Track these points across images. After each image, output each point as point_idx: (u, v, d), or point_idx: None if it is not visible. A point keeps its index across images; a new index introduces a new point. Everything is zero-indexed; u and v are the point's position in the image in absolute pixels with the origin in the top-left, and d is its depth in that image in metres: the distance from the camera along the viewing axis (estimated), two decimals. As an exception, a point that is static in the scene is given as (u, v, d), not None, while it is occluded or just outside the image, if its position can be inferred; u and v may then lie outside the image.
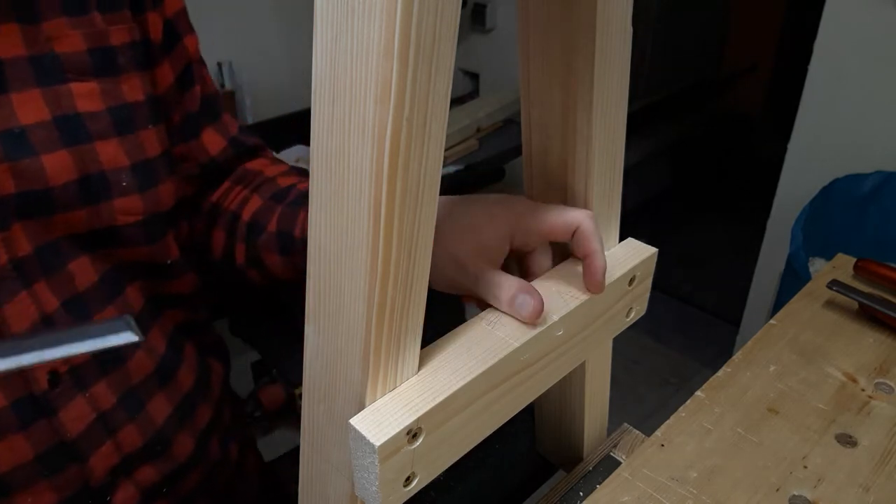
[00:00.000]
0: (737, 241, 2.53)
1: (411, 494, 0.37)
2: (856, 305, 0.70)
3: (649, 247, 0.50)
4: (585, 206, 0.46)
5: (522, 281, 0.44)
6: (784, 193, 1.62)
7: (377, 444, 0.33)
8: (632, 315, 0.51)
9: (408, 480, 0.37)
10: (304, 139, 1.76)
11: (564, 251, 0.49)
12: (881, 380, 0.62)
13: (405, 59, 0.28)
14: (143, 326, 0.58)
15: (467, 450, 0.40)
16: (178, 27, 0.61)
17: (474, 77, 2.35)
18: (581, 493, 0.56)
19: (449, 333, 0.41)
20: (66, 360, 0.51)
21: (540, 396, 0.46)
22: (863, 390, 0.61)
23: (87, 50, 0.52)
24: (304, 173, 0.70)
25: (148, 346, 0.58)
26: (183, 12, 0.62)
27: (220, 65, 1.80)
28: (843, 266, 0.77)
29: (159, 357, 0.59)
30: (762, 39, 2.91)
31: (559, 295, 0.44)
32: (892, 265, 0.72)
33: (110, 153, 0.52)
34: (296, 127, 1.80)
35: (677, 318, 2.31)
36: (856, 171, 1.44)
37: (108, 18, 0.53)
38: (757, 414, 0.59)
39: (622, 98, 0.43)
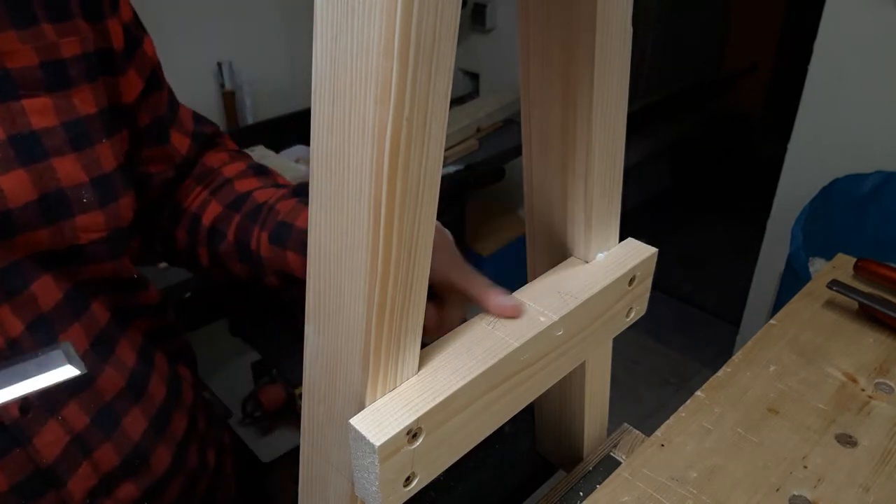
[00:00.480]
0: (737, 241, 2.53)
1: (411, 494, 0.38)
2: (856, 305, 0.70)
3: (649, 247, 0.50)
4: (585, 206, 0.46)
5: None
6: (784, 193, 1.62)
7: (377, 444, 0.33)
8: (632, 315, 0.51)
9: (408, 480, 0.37)
10: (304, 139, 1.76)
11: (564, 251, 0.49)
12: (881, 380, 0.62)
13: (405, 58, 0.28)
14: (110, 341, 0.56)
15: (467, 450, 0.40)
16: (135, 31, 0.59)
17: (474, 77, 2.35)
18: (581, 493, 0.56)
19: (449, 333, 0.41)
20: None
21: (540, 396, 0.46)
22: (863, 390, 0.61)
23: (38, 64, 0.50)
24: (261, 171, 0.70)
25: (117, 361, 0.57)
26: (135, 15, 0.60)
27: (220, 65, 1.80)
28: (843, 266, 0.77)
29: (129, 371, 0.58)
30: (762, 39, 2.91)
31: (559, 295, 0.44)
32: (892, 265, 0.72)
33: (68, 169, 0.51)
34: (296, 127, 1.81)
35: (677, 318, 2.31)
36: (856, 171, 1.44)
37: (59, 29, 0.51)
38: (757, 414, 0.59)
39: (622, 98, 0.43)
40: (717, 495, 0.52)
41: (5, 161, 0.47)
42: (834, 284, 0.69)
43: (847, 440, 0.56)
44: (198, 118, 0.70)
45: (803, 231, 1.35)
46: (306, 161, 1.59)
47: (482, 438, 0.41)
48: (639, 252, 0.49)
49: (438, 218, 0.34)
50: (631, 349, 2.13)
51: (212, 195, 0.67)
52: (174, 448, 0.61)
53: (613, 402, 0.62)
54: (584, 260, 0.48)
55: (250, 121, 1.90)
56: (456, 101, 2.13)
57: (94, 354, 0.55)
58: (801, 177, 1.56)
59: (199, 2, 1.73)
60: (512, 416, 0.42)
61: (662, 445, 0.57)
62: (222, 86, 1.83)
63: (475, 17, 2.18)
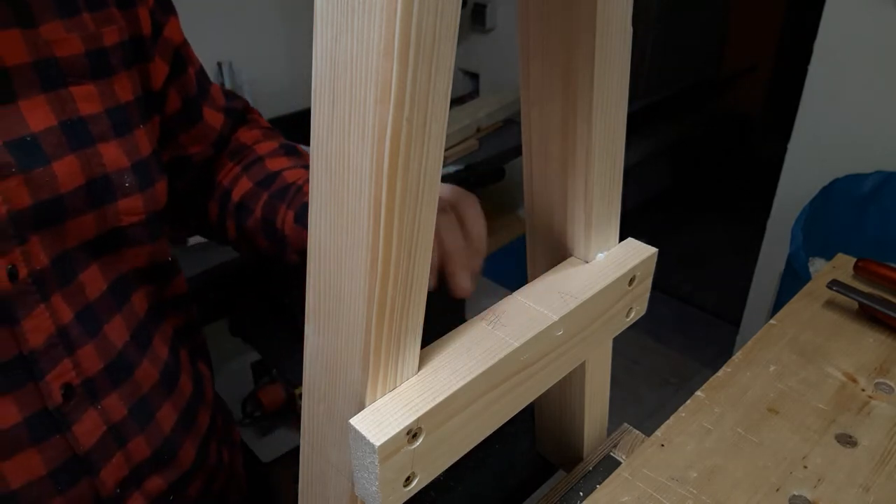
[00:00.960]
0: (737, 241, 2.53)
1: (411, 494, 0.37)
2: (856, 305, 0.70)
3: (649, 247, 0.50)
4: (585, 206, 0.46)
5: None
6: (784, 193, 1.62)
7: (377, 444, 0.33)
8: (632, 315, 0.51)
9: (408, 480, 0.37)
10: (304, 139, 1.76)
11: (564, 251, 0.49)
12: (881, 380, 0.62)
13: (405, 59, 0.28)
14: (147, 334, 0.58)
15: (467, 450, 0.40)
16: (158, 16, 0.60)
17: (474, 77, 2.36)
18: (581, 493, 0.56)
19: (449, 333, 0.41)
20: (79, 372, 0.51)
21: (540, 396, 0.46)
22: (863, 390, 0.61)
23: (84, 53, 0.51)
24: (292, 151, 0.72)
25: (153, 354, 0.58)
26: None
27: (220, 65, 1.80)
28: (843, 266, 0.77)
29: (163, 364, 0.59)
30: (762, 39, 2.91)
31: (559, 295, 0.44)
32: (892, 265, 0.72)
33: (112, 155, 0.52)
34: (296, 127, 1.80)
35: (677, 318, 2.31)
36: (856, 171, 1.44)
37: (97, 18, 0.52)
38: (757, 414, 0.59)
39: (622, 98, 0.43)
40: (717, 495, 0.52)
41: (58, 147, 0.49)
42: (834, 284, 0.69)
43: (847, 440, 0.56)
44: (227, 93, 0.72)
45: (803, 231, 1.35)
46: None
47: (482, 438, 0.41)
48: (639, 252, 0.49)
49: (438, 218, 0.34)
50: (631, 349, 2.13)
51: (243, 171, 0.69)
52: (199, 443, 0.63)
53: (613, 402, 0.62)
54: (584, 260, 0.48)
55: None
56: (456, 101, 2.13)
57: (135, 346, 0.56)
58: (801, 177, 1.56)
59: (199, 2, 1.73)
60: (512, 416, 0.42)
61: (662, 445, 0.57)
62: (222, 86, 1.83)
63: (475, 17, 2.18)
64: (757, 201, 1.94)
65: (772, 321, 0.70)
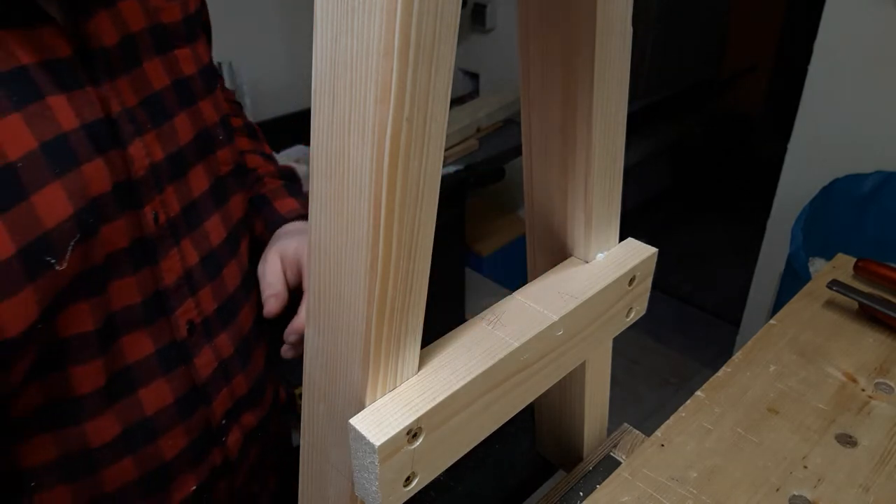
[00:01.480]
0: (737, 241, 2.53)
1: (411, 494, 0.37)
2: (856, 305, 0.70)
3: (649, 247, 0.50)
4: (585, 206, 0.46)
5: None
6: (784, 193, 1.62)
7: (377, 444, 0.33)
8: (632, 315, 0.51)
9: (408, 480, 0.37)
10: (304, 139, 1.76)
11: (564, 251, 0.49)
12: (881, 380, 0.62)
13: (405, 58, 0.28)
14: (252, 280, 0.65)
15: (467, 450, 0.40)
16: None
17: (474, 77, 2.36)
18: (581, 493, 0.56)
19: (449, 333, 0.41)
20: (200, 311, 0.57)
21: (540, 396, 0.46)
22: (863, 390, 0.61)
23: (182, 19, 0.56)
24: (252, 133, 0.79)
25: (253, 301, 0.64)
26: None
27: (220, 65, 1.80)
28: (843, 266, 0.77)
29: (258, 311, 0.65)
30: (762, 39, 2.91)
31: (559, 295, 0.44)
32: (892, 265, 0.72)
33: (209, 110, 0.58)
34: (296, 127, 1.81)
35: (677, 318, 2.31)
36: (856, 171, 1.44)
37: None
38: (757, 414, 0.59)
39: (622, 98, 0.43)
40: (717, 495, 0.52)
41: (174, 104, 0.54)
42: (834, 284, 0.69)
43: (847, 440, 0.56)
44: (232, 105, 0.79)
45: (803, 231, 1.35)
46: (306, 161, 1.59)
47: (482, 438, 0.41)
48: (639, 252, 0.49)
49: (438, 218, 0.34)
50: (631, 349, 2.13)
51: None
52: (275, 386, 0.70)
53: (613, 402, 0.62)
54: (584, 260, 0.48)
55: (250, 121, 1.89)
56: (456, 101, 2.13)
57: (243, 291, 0.62)
58: (801, 177, 1.56)
59: (200, 2, 1.72)
60: (512, 416, 0.42)
61: (662, 445, 0.57)
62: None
63: (475, 17, 2.18)
64: (757, 201, 1.94)
65: (772, 321, 0.70)
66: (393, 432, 0.34)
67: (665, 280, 2.39)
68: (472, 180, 1.80)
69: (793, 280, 1.29)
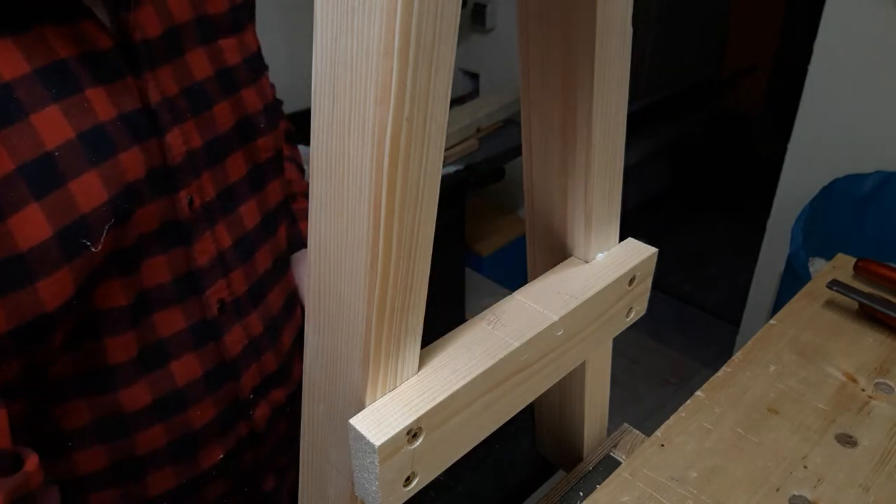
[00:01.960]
0: (737, 241, 2.53)
1: (411, 494, 0.37)
2: (856, 305, 0.70)
3: (649, 247, 0.50)
4: (585, 206, 0.46)
5: None
6: (784, 193, 1.62)
7: (377, 444, 0.33)
8: (632, 315, 0.51)
9: (408, 480, 0.37)
10: (305, 139, 1.76)
11: (564, 251, 0.49)
12: (881, 380, 0.62)
13: (405, 59, 0.28)
14: (285, 262, 0.68)
15: (467, 450, 0.40)
16: None
17: (474, 77, 2.35)
18: (581, 493, 0.56)
19: (449, 333, 0.41)
20: (231, 292, 0.59)
21: (540, 396, 0.46)
22: (863, 390, 0.61)
23: (229, 9, 0.58)
24: (289, 139, 0.83)
25: (284, 282, 0.67)
26: None
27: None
28: (843, 266, 0.77)
29: (289, 292, 0.68)
30: (762, 39, 2.91)
31: (559, 295, 0.44)
32: (892, 265, 0.72)
33: (251, 99, 0.59)
34: (296, 127, 1.80)
35: (677, 318, 2.31)
36: (856, 171, 1.44)
37: None
38: (757, 414, 0.59)
39: (622, 98, 0.43)
40: (717, 495, 0.52)
41: (216, 93, 0.56)
42: (834, 284, 0.69)
43: (847, 440, 0.56)
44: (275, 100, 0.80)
45: (803, 231, 1.35)
46: (306, 161, 1.58)
47: (482, 438, 0.41)
48: (639, 252, 0.49)
49: (438, 218, 0.34)
50: (631, 349, 2.13)
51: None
52: (304, 363, 0.69)
53: (613, 402, 0.63)
54: (584, 260, 0.48)
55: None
56: (456, 101, 2.13)
57: (273, 273, 0.65)
58: (801, 177, 1.56)
59: (199, 2, 1.72)
60: (512, 416, 0.42)
61: (662, 445, 0.57)
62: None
63: (475, 17, 2.18)
64: (757, 201, 1.94)
65: (772, 321, 0.70)
66: (393, 432, 0.34)
67: (665, 280, 2.39)
68: (472, 180, 1.79)
69: (793, 280, 1.29)
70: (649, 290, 0.51)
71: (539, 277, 0.47)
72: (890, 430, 0.57)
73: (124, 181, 0.48)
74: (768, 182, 1.69)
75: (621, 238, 0.50)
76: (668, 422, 0.59)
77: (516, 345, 0.40)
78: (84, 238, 0.46)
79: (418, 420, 0.35)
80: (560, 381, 0.47)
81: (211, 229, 0.56)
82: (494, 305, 0.43)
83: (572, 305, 0.43)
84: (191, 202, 0.54)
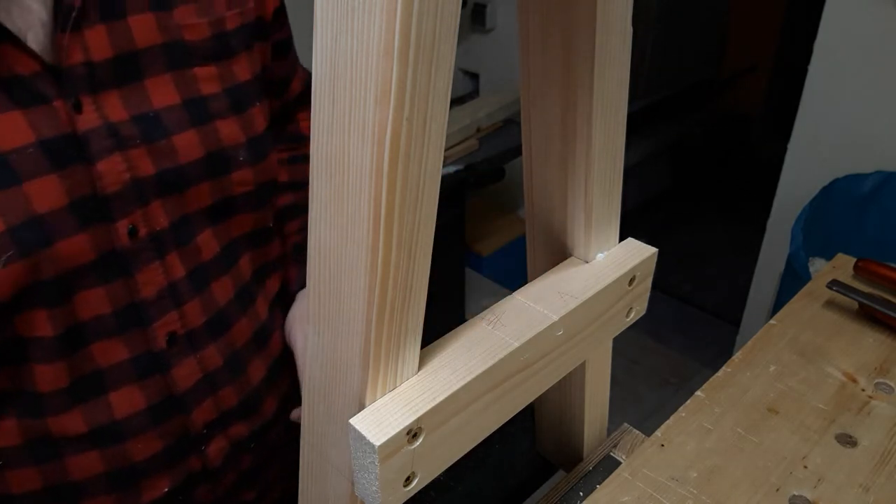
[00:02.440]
0: (737, 241, 2.53)
1: (411, 494, 0.37)
2: (856, 305, 0.70)
3: (649, 247, 0.50)
4: (585, 206, 0.46)
5: None
6: (784, 193, 1.62)
7: (377, 444, 0.33)
8: (632, 315, 0.51)
9: (408, 480, 0.37)
10: (304, 139, 1.76)
11: (564, 251, 0.49)
12: (881, 380, 0.62)
13: (405, 58, 0.28)
14: (252, 294, 0.64)
15: (467, 450, 0.40)
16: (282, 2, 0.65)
17: (474, 77, 2.35)
18: (581, 493, 0.56)
19: (449, 333, 0.41)
20: (184, 324, 0.57)
21: (540, 396, 0.46)
22: (863, 390, 0.61)
23: (210, 37, 0.56)
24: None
25: (253, 312, 0.64)
26: None
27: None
28: (843, 266, 0.77)
29: (260, 323, 0.65)
30: (762, 39, 2.91)
31: (559, 295, 0.44)
32: (892, 265, 0.72)
33: (230, 130, 0.57)
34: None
35: (677, 318, 2.31)
36: (856, 171, 1.44)
37: (229, 1, 0.57)
38: (757, 414, 0.59)
39: (622, 98, 0.43)
40: (717, 495, 0.52)
41: (180, 122, 0.54)
42: (834, 284, 0.69)
43: (847, 440, 0.56)
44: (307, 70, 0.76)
45: (803, 231, 1.35)
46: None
47: (482, 438, 0.41)
48: (639, 252, 0.49)
49: (438, 218, 0.34)
50: (631, 349, 2.13)
51: (288, 162, 0.74)
52: (280, 397, 0.68)
53: (613, 402, 0.62)
54: (584, 260, 0.48)
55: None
56: (456, 101, 2.13)
57: (237, 304, 0.62)
58: (801, 177, 1.56)
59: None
60: (512, 416, 0.42)
61: (662, 445, 0.57)
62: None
63: (475, 17, 2.18)
64: (757, 201, 1.94)
65: (772, 321, 0.70)
66: (393, 432, 0.34)
67: (665, 280, 2.39)
68: (472, 180, 1.80)
69: (793, 280, 1.29)
70: (649, 290, 0.51)
71: (539, 277, 0.47)
72: (890, 430, 0.57)
73: (32, 210, 0.46)
74: (768, 182, 1.69)
75: (621, 238, 0.50)
76: (668, 422, 0.59)
77: (516, 345, 0.40)
78: None
79: (418, 420, 0.35)
80: (560, 381, 0.47)
81: (160, 259, 0.54)
82: (494, 305, 0.43)
83: (572, 305, 0.43)
84: (133, 231, 0.52)
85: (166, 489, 0.59)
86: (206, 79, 0.55)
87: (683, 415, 0.60)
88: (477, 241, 2.25)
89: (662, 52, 2.42)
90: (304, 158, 0.75)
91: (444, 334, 0.41)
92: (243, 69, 0.58)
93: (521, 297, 0.44)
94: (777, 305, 1.42)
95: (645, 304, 0.52)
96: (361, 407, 0.35)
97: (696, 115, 2.89)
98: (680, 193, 2.95)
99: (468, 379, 0.37)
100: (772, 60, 2.95)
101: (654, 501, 0.52)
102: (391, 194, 0.30)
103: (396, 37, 0.27)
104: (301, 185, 0.74)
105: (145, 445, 0.57)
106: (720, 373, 0.64)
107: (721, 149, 3.08)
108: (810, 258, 1.38)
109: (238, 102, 0.58)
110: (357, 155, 0.30)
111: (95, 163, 0.49)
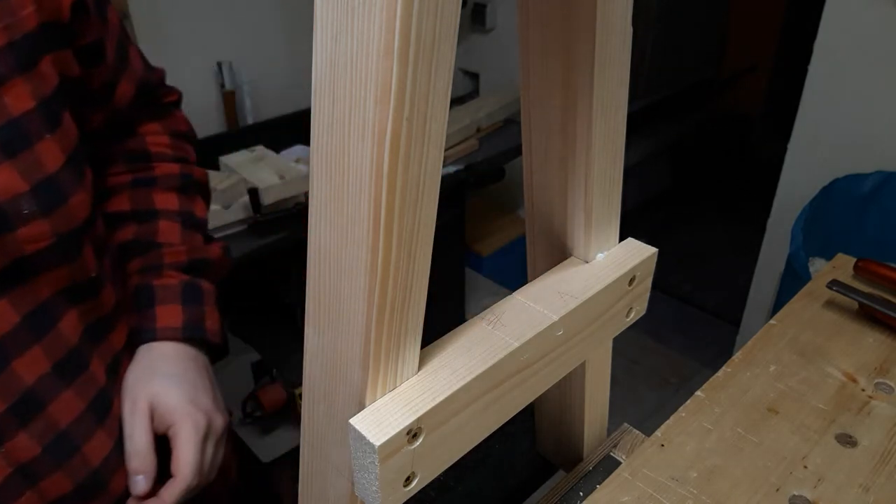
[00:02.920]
0: (737, 241, 2.53)
1: (411, 494, 0.37)
2: (856, 305, 0.70)
3: (649, 247, 0.50)
4: (585, 206, 0.46)
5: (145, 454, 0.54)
6: (784, 193, 1.62)
7: (377, 444, 0.33)
8: (632, 315, 0.51)
9: (408, 480, 0.37)
10: (304, 139, 1.76)
11: (564, 251, 0.49)
12: (881, 380, 0.62)
13: (405, 59, 0.28)
14: (81, 359, 0.54)
15: (467, 450, 0.40)
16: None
17: (474, 77, 2.36)
18: (581, 493, 0.56)
19: (449, 333, 0.41)
20: None
21: (540, 396, 0.46)
22: (863, 390, 0.61)
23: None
24: (188, 188, 0.67)
25: (86, 381, 0.54)
26: None
27: (220, 65, 1.80)
28: (843, 266, 0.77)
29: (98, 390, 0.55)
30: (762, 39, 2.91)
31: (559, 295, 0.44)
32: (892, 265, 0.72)
33: (3, 181, 0.45)
34: (296, 127, 1.81)
35: (677, 318, 2.31)
36: (856, 171, 1.44)
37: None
38: (757, 414, 0.59)
39: (622, 98, 0.43)
40: (717, 495, 0.52)
41: None
42: (834, 284, 0.69)
43: (847, 440, 0.56)
44: (145, 62, 0.65)
45: (803, 231, 1.35)
46: (306, 161, 1.59)
47: (482, 438, 0.41)
48: (639, 252, 0.49)
49: (438, 218, 0.34)
50: (631, 349, 2.13)
51: (130, 186, 0.63)
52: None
53: (613, 402, 0.62)
54: (584, 260, 0.48)
55: (250, 121, 1.90)
56: (456, 101, 2.13)
57: (55, 378, 0.52)
58: (801, 177, 1.56)
59: (200, 2, 1.73)
60: (512, 416, 0.42)
61: (662, 445, 0.57)
62: (222, 86, 1.83)
63: (475, 17, 2.18)
64: (757, 201, 1.94)
65: (772, 321, 0.70)
66: (393, 432, 0.34)
67: (665, 280, 2.39)
68: (472, 180, 1.80)
69: (793, 280, 1.29)
70: (649, 290, 0.51)
71: (539, 277, 0.47)
72: (890, 430, 0.57)
73: None
74: (768, 182, 1.69)
75: (621, 238, 0.50)
76: (668, 422, 0.59)
77: (516, 345, 0.40)
78: None
79: (418, 420, 0.35)
80: (560, 381, 0.47)
81: None
82: (494, 305, 0.43)
83: (572, 305, 0.43)
84: None
85: None
86: None
87: (683, 415, 0.60)
88: (477, 241, 2.25)
89: (662, 52, 2.42)
90: (150, 182, 0.63)
91: (444, 334, 0.41)
92: (20, 97, 0.46)
93: (521, 297, 0.44)
94: (777, 305, 1.42)
95: (645, 304, 0.52)
96: (361, 407, 0.35)
97: (696, 115, 2.89)
98: (680, 193, 2.95)
99: (468, 379, 0.37)
100: (772, 60, 2.95)
101: (654, 501, 0.52)
102: (391, 194, 0.30)
103: (396, 37, 0.27)
104: (145, 216, 0.63)
105: None
106: (720, 373, 0.64)
107: (721, 149, 3.09)
108: (810, 258, 1.38)
109: (9, 143, 0.45)
110: (357, 155, 0.30)
111: None
